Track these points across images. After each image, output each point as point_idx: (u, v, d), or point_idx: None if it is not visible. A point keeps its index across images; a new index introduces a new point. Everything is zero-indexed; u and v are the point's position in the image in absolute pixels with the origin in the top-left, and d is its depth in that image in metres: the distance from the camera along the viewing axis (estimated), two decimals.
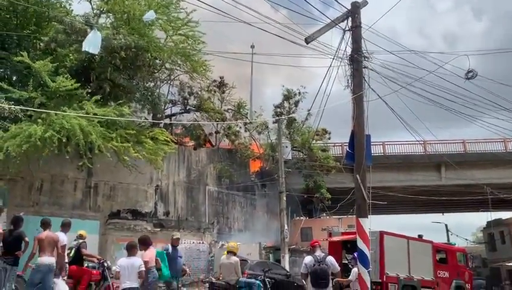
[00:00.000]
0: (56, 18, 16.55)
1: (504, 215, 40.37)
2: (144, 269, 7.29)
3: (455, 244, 22.80)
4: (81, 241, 9.86)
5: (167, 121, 24.54)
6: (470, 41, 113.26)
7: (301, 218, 29.34)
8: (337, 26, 9.59)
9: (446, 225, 41.96)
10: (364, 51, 9.61)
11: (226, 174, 24.91)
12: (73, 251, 9.75)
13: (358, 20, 9.53)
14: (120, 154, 15.95)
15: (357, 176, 9.40)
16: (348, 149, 9.98)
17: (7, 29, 16.83)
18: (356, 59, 9.38)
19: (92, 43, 10.55)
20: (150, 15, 12.96)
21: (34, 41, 16.88)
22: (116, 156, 16.27)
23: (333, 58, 9.40)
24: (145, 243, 8.07)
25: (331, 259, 8.43)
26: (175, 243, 10.08)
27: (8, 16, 17.32)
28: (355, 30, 9.51)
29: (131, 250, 7.44)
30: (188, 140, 25.93)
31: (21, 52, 14.86)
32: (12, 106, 13.71)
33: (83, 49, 11.02)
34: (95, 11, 18.55)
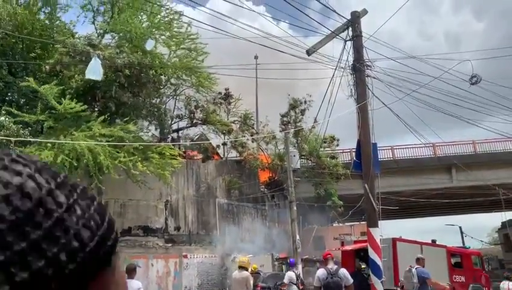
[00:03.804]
0: (59, 41, 16.82)
1: None
2: None
3: (469, 247, 22.50)
4: None
5: (174, 135, 24.67)
6: (471, 41, 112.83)
7: (313, 226, 29.16)
8: (338, 36, 9.60)
9: (460, 227, 41.45)
10: (366, 60, 9.61)
11: (235, 185, 24.88)
12: None
13: (359, 29, 9.54)
14: (128, 169, 16.05)
15: (366, 185, 9.35)
16: (354, 158, 9.95)
17: (13, 54, 17.12)
18: (358, 68, 9.37)
19: (94, 70, 10.74)
20: (150, 44, 13.59)
21: (40, 64, 17.13)
22: (125, 173, 16.37)
23: (335, 69, 9.41)
24: None
25: (344, 271, 8.35)
26: None
27: (14, 41, 17.64)
28: (356, 39, 9.51)
29: (130, 273, 7.54)
30: (196, 153, 25.99)
31: (27, 78, 15.09)
32: (21, 136, 13.86)
33: (86, 76, 11.23)
34: (98, 32, 18.81)
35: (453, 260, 16.98)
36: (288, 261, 12.33)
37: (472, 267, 17.45)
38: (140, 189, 17.91)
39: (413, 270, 10.20)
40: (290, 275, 12.40)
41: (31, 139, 13.50)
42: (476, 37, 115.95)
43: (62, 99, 15.29)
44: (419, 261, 10.30)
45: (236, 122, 27.61)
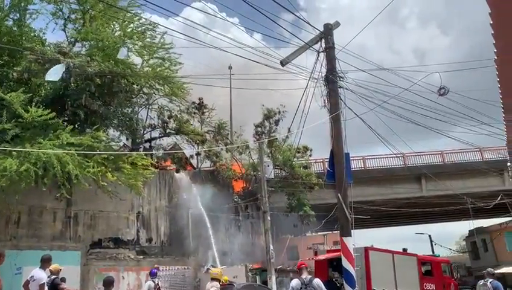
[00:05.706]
0: (28, 48, 16.40)
1: (485, 223, 40.96)
2: None
3: (439, 255, 22.99)
4: (53, 277, 9.35)
5: (146, 145, 24.32)
6: (438, 54, 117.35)
7: (287, 237, 29.21)
8: (311, 48, 9.72)
9: (430, 236, 42.35)
10: (338, 71, 9.76)
11: (208, 196, 24.65)
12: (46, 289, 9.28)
13: (332, 41, 9.70)
14: (98, 180, 15.68)
15: (339, 195, 9.42)
16: (328, 168, 10.03)
17: None
18: (331, 79, 9.50)
19: (55, 74, 10.56)
20: (123, 53, 13.61)
21: (8, 71, 16.62)
22: (96, 184, 15.98)
23: (309, 80, 9.51)
24: None
25: (317, 281, 8.32)
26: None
27: None
28: (329, 51, 9.66)
29: (108, 286, 7.35)
30: (169, 163, 25.68)
31: None
32: None
33: (46, 79, 11.02)
34: (69, 40, 18.45)
35: (423, 268, 17.26)
36: (150, 271, 13.94)
37: (442, 275, 17.79)
38: (112, 200, 17.54)
39: (489, 284, 10.63)
40: (149, 284, 13.57)
41: None
42: (443, 51, 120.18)
43: (30, 107, 14.85)
44: (493, 275, 10.96)
45: (210, 132, 27.48)
